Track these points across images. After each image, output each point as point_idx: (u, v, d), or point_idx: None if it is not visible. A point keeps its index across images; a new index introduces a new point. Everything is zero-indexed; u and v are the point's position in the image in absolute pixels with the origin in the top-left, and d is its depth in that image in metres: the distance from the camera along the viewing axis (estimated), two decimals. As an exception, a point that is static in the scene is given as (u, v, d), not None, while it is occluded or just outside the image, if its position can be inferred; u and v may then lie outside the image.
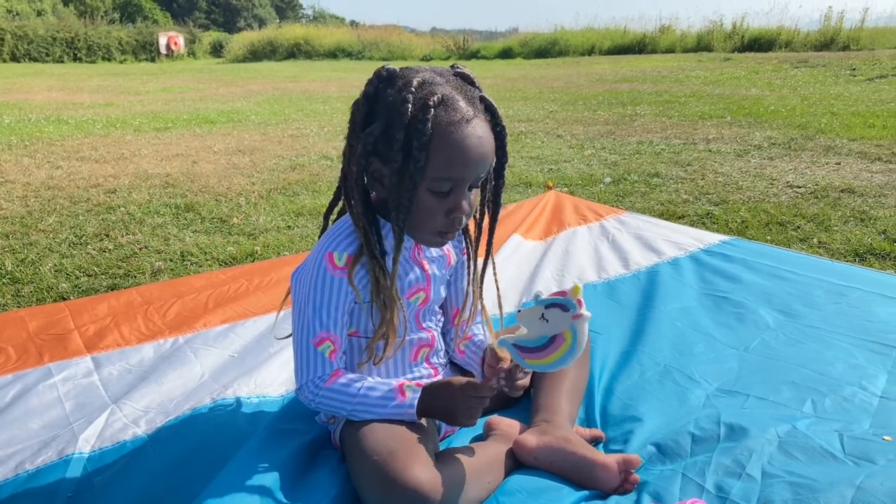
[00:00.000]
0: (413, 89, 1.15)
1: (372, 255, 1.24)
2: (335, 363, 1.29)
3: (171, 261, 2.73)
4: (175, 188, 3.99)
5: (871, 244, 2.73)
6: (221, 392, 1.59)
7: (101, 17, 29.38)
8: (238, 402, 1.56)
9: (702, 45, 17.41)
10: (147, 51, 25.66)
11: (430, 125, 1.13)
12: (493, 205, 1.35)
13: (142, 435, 1.45)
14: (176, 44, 26.43)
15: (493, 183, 1.33)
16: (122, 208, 3.51)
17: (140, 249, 2.86)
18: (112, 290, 2.38)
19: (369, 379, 1.30)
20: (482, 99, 1.22)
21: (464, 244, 1.45)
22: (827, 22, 16.66)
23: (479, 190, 1.29)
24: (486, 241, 1.41)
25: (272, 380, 1.66)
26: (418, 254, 1.38)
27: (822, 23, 16.68)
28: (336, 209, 1.38)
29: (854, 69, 10.85)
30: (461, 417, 1.25)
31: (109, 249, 2.86)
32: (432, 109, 1.13)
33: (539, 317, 1.16)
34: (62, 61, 22.92)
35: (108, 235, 3.05)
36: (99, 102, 9.22)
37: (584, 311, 1.15)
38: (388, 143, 1.16)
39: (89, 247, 2.90)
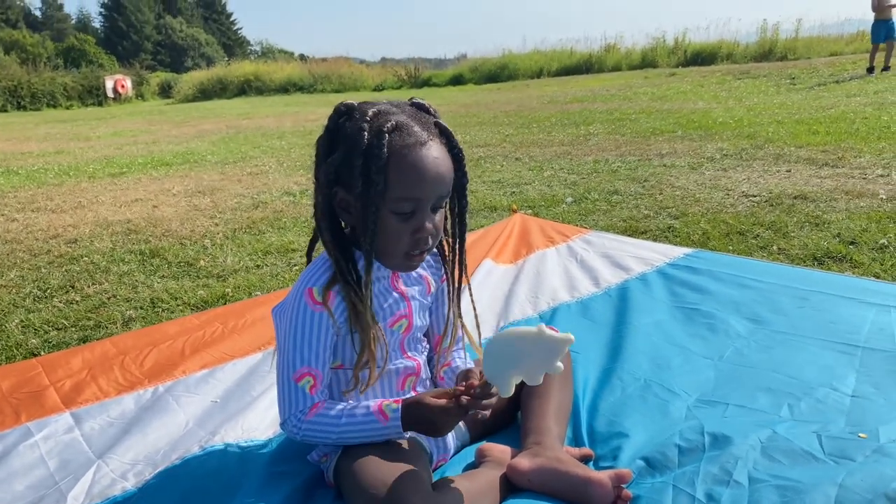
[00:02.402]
0: (368, 119, 1.23)
1: (346, 282, 1.28)
2: (315, 397, 1.32)
3: (141, 308, 2.69)
4: (138, 234, 3.94)
5: (827, 248, 2.83)
6: (209, 439, 1.58)
7: (44, 63, 28.94)
8: (227, 448, 1.55)
9: (647, 61, 17.89)
10: (94, 95, 25.29)
11: (385, 149, 1.20)
12: (459, 225, 1.40)
13: (131, 489, 1.43)
14: (123, 86, 26.11)
15: (457, 203, 1.38)
16: (86, 258, 3.45)
17: (108, 299, 2.81)
18: (84, 342, 2.34)
19: (348, 403, 1.32)
20: (437, 124, 1.30)
21: (442, 270, 1.49)
22: (763, 34, 17.29)
23: (443, 212, 1.34)
24: (459, 268, 1.45)
25: (258, 423, 1.65)
26: (398, 283, 1.41)
27: (760, 35, 17.30)
28: (317, 245, 1.42)
29: (793, 78, 11.27)
30: (441, 427, 1.27)
31: (77, 301, 2.81)
32: (387, 135, 1.21)
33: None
34: (6, 110, 22.44)
35: (73, 287, 3.00)
36: (49, 150, 9.06)
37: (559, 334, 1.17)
38: (349, 170, 1.23)
39: (55, 299, 2.84)
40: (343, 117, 1.29)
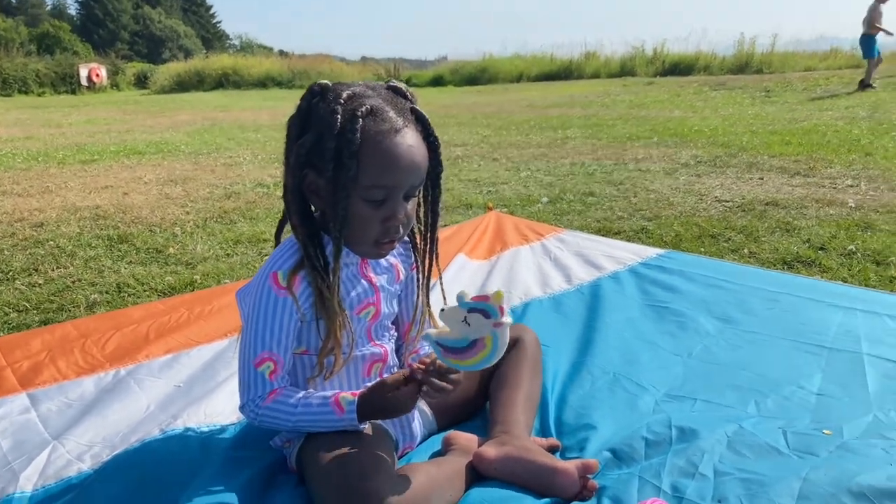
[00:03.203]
0: (342, 101, 1.19)
1: (313, 267, 1.25)
2: (275, 383, 1.29)
3: (107, 293, 2.63)
4: (106, 220, 3.86)
5: (797, 252, 2.86)
6: (170, 423, 1.54)
7: (17, 49, 28.36)
8: (188, 431, 1.51)
9: (625, 70, 18.07)
10: (67, 83, 24.80)
11: (358, 134, 1.16)
12: (431, 214, 1.38)
13: (87, 470, 1.39)
14: (98, 75, 25.66)
15: (430, 192, 1.36)
16: (51, 242, 3.38)
17: (73, 283, 2.75)
18: (45, 324, 2.29)
19: (307, 392, 1.30)
20: (413, 110, 1.26)
21: (413, 258, 1.47)
22: (741, 47, 17.56)
23: (416, 200, 1.32)
24: (429, 257, 1.43)
25: (222, 408, 1.62)
26: (366, 269, 1.38)
27: (737, 48, 17.55)
28: (286, 228, 1.38)
29: (768, 91, 11.44)
30: (400, 408, 1.26)
31: (39, 284, 2.74)
32: (360, 119, 1.17)
33: (461, 319, 1.19)
34: (-25, 95, 21.98)
35: (37, 270, 2.93)
36: (18, 136, 8.87)
37: (505, 318, 1.18)
38: (320, 154, 1.19)
39: (17, 282, 2.77)
40: (316, 98, 1.24)
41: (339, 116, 1.17)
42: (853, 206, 3.65)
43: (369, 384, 1.32)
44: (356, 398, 1.26)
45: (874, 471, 1.27)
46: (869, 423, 1.46)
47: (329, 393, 1.29)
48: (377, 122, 1.19)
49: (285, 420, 1.28)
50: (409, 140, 1.22)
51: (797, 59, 16.95)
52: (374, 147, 1.18)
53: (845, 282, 2.46)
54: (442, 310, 1.23)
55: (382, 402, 1.25)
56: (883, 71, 11.77)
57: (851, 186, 4.18)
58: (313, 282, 1.26)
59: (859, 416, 1.48)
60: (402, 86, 1.31)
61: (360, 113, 1.17)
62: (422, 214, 1.39)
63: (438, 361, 1.23)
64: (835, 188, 4.15)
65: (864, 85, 10.69)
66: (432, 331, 1.24)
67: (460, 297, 1.20)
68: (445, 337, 1.21)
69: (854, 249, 2.87)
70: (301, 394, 1.29)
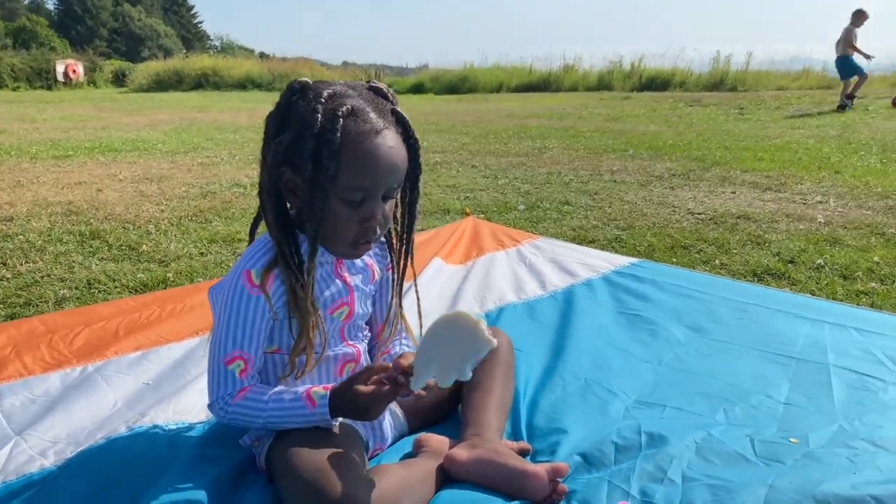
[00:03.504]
0: (323, 100, 1.18)
1: (287, 266, 1.24)
2: (245, 381, 1.28)
3: (76, 289, 2.59)
4: (79, 216, 3.81)
5: (767, 265, 2.91)
6: (138, 420, 1.52)
7: (-8, 42, 27.92)
8: (156, 429, 1.49)
9: (603, 84, 18.23)
10: (43, 78, 24.42)
11: (339, 135, 1.15)
12: (409, 216, 1.37)
13: (50, 467, 1.37)
14: (75, 72, 25.29)
15: (409, 195, 1.35)
16: (21, 236, 3.32)
17: (42, 278, 2.71)
18: (11, 319, 2.24)
19: (278, 388, 1.28)
20: (394, 111, 1.26)
21: (388, 259, 1.46)
22: (716, 65, 17.82)
23: (394, 202, 1.31)
24: (404, 260, 1.43)
25: (192, 405, 1.60)
26: (341, 269, 1.38)
27: (712, 65, 17.82)
28: (261, 225, 1.37)
29: (742, 108, 11.62)
30: (371, 412, 1.23)
31: (7, 278, 2.69)
32: (341, 119, 1.16)
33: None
34: (-53, 87, 21.58)
35: (4, 264, 2.88)
36: (-10, 130, 8.72)
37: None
38: (299, 152, 1.18)
39: (-16, 276, 2.72)
40: (296, 95, 1.23)
41: (319, 115, 1.17)
42: (822, 221, 3.72)
43: (340, 382, 1.31)
44: (328, 392, 1.25)
45: (838, 479, 1.29)
46: (834, 433, 1.48)
47: (300, 388, 1.27)
48: (358, 123, 1.18)
49: (255, 416, 1.26)
50: (390, 142, 1.21)
51: (771, 78, 17.25)
52: (354, 148, 1.17)
53: (813, 295, 2.51)
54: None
55: (354, 397, 1.22)
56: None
57: (821, 202, 4.26)
58: (287, 280, 1.25)
59: (825, 426, 1.51)
60: (384, 86, 1.30)
61: (340, 113, 1.16)
62: (399, 216, 1.39)
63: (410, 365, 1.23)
64: (805, 204, 4.23)
65: (841, 106, 10.89)
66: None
67: None
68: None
69: (822, 263, 2.92)
70: (272, 390, 1.28)
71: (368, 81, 1.31)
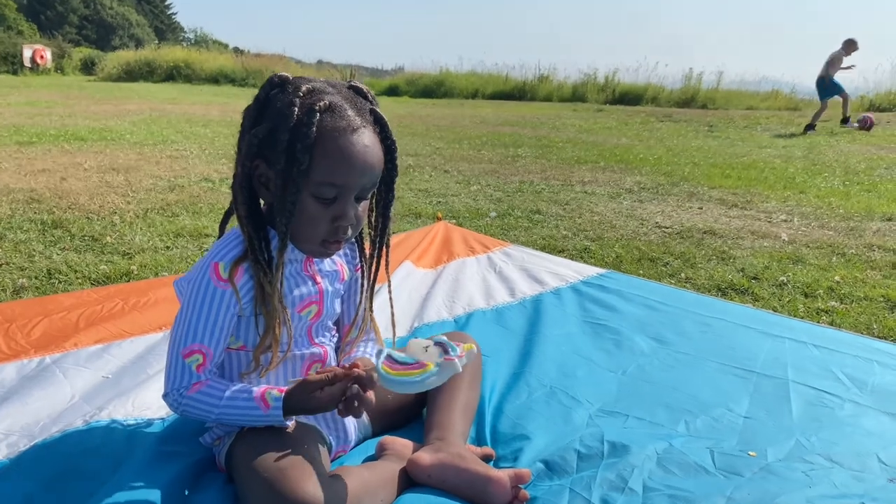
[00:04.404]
0: (301, 94, 1.18)
1: (256, 260, 1.23)
2: (202, 375, 1.26)
3: (36, 278, 2.53)
4: (41, 204, 3.73)
5: (731, 280, 2.96)
6: (95, 414, 1.49)
7: (-44, 22, 27.19)
8: (114, 424, 1.47)
9: (577, 95, 18.37)
10: (9, 62, 23.81)
11: (314, 129, 1.15)
12: (382, 218, 1.37)
13: (3, 460, 1.33)
14: (42, 57, 24.72)
15: (384, 197, 1.35)
16: (-21, 223, 3.24)
17: (0, 265, 2.64)
18: (-33, 307, 2.18)
19: (234, 387, 1.26)
20: (372, 111, 1.26)
21: (358, 260, 1.46)
22: (688, 81, 18.09)
23: (367, 203, 1.31)
24: (377, 262, 1.42)
25: (152, 401, 1.57)
26: (310, 267, 1.37)
27: (684, 82, 18.09)
28: (231, 219, 1.36)
29: (711, 126, 11.81)
30: (326, 405, 1.22)
31: (-37, 265, 2.62)
32: (318, 114, 1.16)
33: (424, 346, 1.23)
34: None
35: (-39, 250, 2.80)
36: (-49, 112, 8.50)
37: (457, 360, 1.20)
38: (273, 145, 1.17)
39: (-61, 262, 2.65)
40: (275, 89, 1.23)
41: (296, 109, 1.16)
42: (786, 239, 3.79)
43: (294, 380, 1.29)
44: (282, 395, 1.23)
45: (794, 493, 1.32)
46: (791, 447, 1.51)
47: (255, 388, 1.26)
48: (335, 119, 1.17)
49: (208, 411, 1.25)
50: (366, 140, 1.21)
51: (740, 98, 17.55)
52: (328, 143, 1.16)
53: (775, 311, 2.55)
54: (414, 338, 1.23)
55: (306, 400, 1.22)
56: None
57: (785, 221, 4.35)
58: (255, 276, 1.24)
59: (783, 440, 1.54)
60: (364, 87, 1.29)
61: (318, 107, 1.16)
62: (373, 218, 1.38)
63: (372, 372, 1.22)
64: (770, 222, 4.31)
65: (810, 126, 11.09)
66: (395, 351, 1.24)
67: (439, 338, 1.23)
68: (398, 353, 1.23)
69: (785, 281, 2.98)
70: (228, 389, 1.26)
71: (349, 81, 1.30)
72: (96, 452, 1.36)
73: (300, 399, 1.22)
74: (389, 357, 1.22)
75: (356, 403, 1.19)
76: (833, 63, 11.22)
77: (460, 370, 1.21)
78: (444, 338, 1.25)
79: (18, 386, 1.62)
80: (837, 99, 11.59)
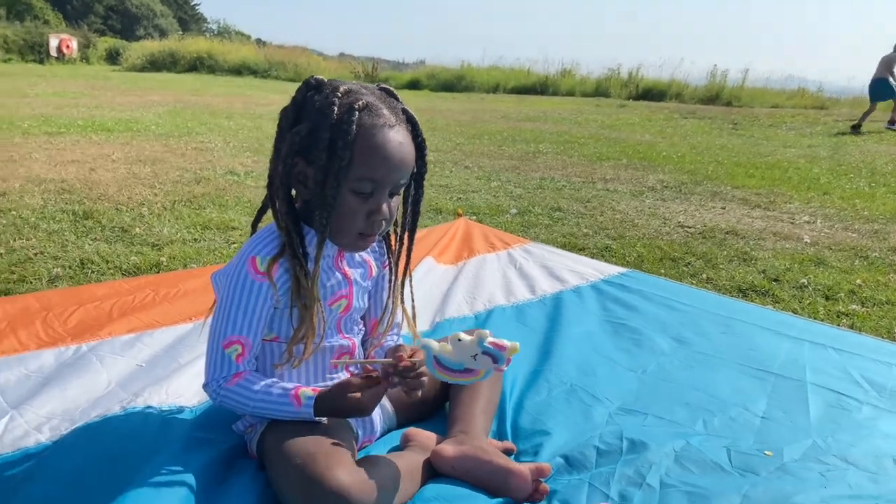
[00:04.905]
0: (339, 94, 1.25)
1: (294, 255, 1.29)
2: (240, 366, 1.32)
3: (69, 268, 2.61)
4: (72, 194, 3.81)
5: (752, 282, 2.97)
6: (132, 400, 1.55)
7: (-15, 12, 27.58)
8: (149, 410, 1.52)
9: (600, 90, 18.28)
10: (35, 52, 24.17)
11: (354, 126, 1.21)
12: (412, 213, 1.43)
13: (45, 441, 1.40)
14: (68, 47, 25.05)
15: (413, 192, 1.41)
16: (14, 212, 3.32)
17: (35, 255, 2.72)
18: (5, 295, 2.26)
19: (270, 380, 1.32)
20: (404, 111, 1.32)
21: (385, 256, 1.51)
22: (713, 79, 17.92)
23: (399, 198, 1.36)
24: (406, 256, 1.47)
25: (185, 389, 1.62)
26: (341, 262, 1.42)
27: (709, 79, 17.93)
28: (263, 217, 1.42)
29: (736, 124, 11.72)
30: (361, 411, 1.29)
31: (1, 254, 2.70)
32: (357, 112, 1.22)
33: (472, 354, 1.26)
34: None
35: (-2, 239, 2.89)
36: (-18, 101, 8.66)
37: (505, 367, 1.27)
38: (314, 143, 1.23)
39: (-23, 250, 2.73)
40: (312, 91, 1.29)
41: (336, 108, 1.22)
42: (808, 241, 3.79)
43: (333, 382, 1.35)
44: (315, 395, 1.29)
45: (809, 493, 1.35)
46: (808, 448, 1.53)
47: (290, 385, 1.32)
48: (372, 117, 1.24)
49: (245, 403, 1.30)
50: (401, 137, 1.27)
51: (765, 96, 17.36)
52: (367, 140, 1.23)
53: (795, 313, 2.56)
54: (459, 339, 1.26)
55: (343, 402, 1.27)
56: (845, 115, 12.14)
57: (808, 223, 4.33)
58: (292, 269, 1.30)
59: (799, 441, 1.56)
60: (393, 89, 1.36)
61: (356, 106, 1.22)
62: (401, 215, 1.43)
63: (423, 366, 1.27)
64: (792, 223, 4.30)
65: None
66: (434, 344, 1.27)
67: (481, 338, 1.25)
68: (446, 356, 1.26)
69: (806, 283, 2.98)
70: (264, 381, 1.32)
71: (378, 84, 1.36)
72: (134, 436, 1.42)
73: (336, 401, 1.27)
74: (436, 359, 1.27)
75: (412, 386, 1.27)
76: (889, 65, 11.04)
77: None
78: (490, 345, 1.24)
79: (56, 372, 1.69)
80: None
